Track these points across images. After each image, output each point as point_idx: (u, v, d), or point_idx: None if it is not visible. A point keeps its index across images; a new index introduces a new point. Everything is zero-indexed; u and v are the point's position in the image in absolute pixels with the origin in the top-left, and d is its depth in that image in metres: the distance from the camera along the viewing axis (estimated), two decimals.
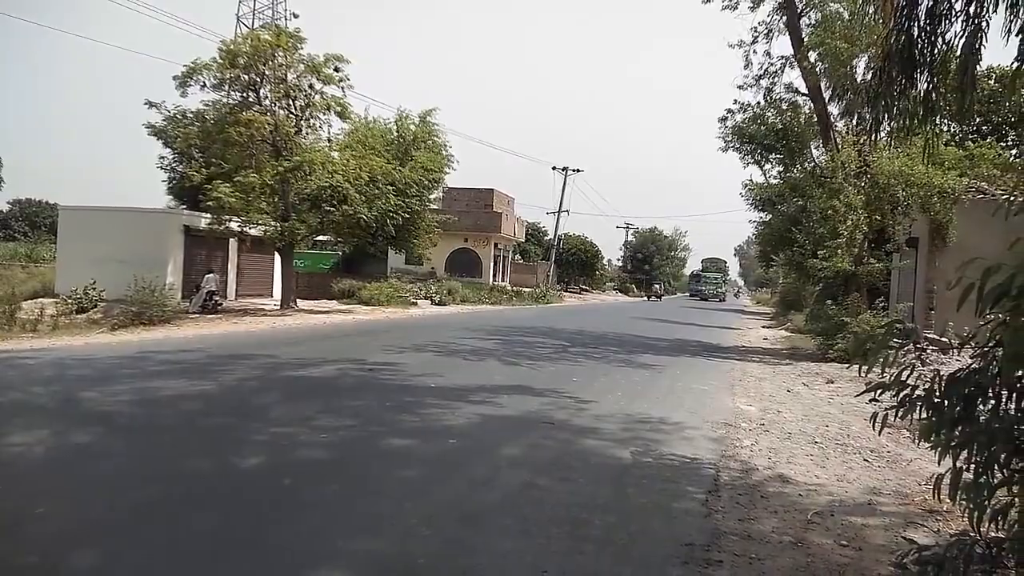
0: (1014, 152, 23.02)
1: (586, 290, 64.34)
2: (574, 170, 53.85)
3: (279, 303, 23.12)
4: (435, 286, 33.44)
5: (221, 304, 21.08)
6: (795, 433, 7.89)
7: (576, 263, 63.31)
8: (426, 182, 26.59)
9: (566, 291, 57.35)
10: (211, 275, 21.02)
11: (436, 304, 30.93)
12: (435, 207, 32.04)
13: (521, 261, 58.19)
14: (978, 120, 22.60)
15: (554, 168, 53.60)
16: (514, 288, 44.08)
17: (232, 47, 20.92)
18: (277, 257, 24.41)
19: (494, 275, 45.79)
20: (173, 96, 30.13)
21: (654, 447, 6.78)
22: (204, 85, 20.78)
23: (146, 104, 22.25)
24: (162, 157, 29.12)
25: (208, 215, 21.20)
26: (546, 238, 61.33)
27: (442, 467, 5.83)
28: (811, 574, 3.96)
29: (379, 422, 7.31)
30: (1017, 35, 4.28)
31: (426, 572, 3.79)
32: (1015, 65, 3.99)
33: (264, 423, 7.02)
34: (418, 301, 30.15)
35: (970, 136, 21.34)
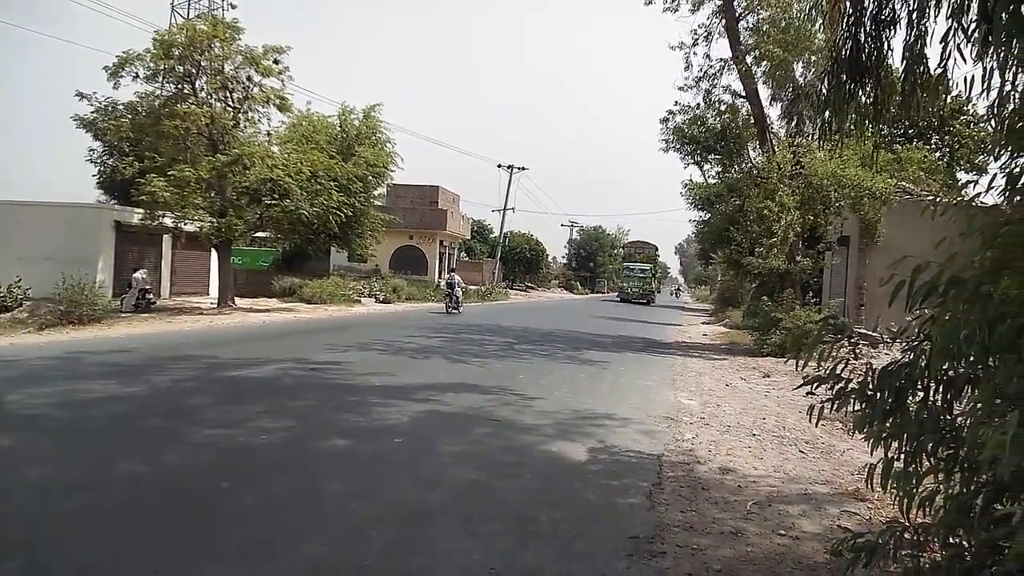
0: (938, 155, 24.13)
1: (532, 287, 64.60)
2: (519, 168, 54.01)
3: (216, 301, 22.46)
4: (379, 284, 33.05)
5: (155, 303, 20.35)
6: (734, 426, 8.09)
7: (522, 261, 63.52)
8: (370, 178, 26.22)
9: (512, 288, 57.49)
10: (138, 273, 20.25)
11: (381, 302, 30.59)
12: (379, 204, 31.62)
13: (467, 259, 58.04)
14: (906, 124, 23.61)
15: (499, 166, 53.64)
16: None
17: (167, 37, 20.18)
18: (214, 254, 23.71)
19: (440, 272, 45.55)
20: (104, 87, 28.94)
21: (599, 442, 6.86)
22: (137, 76, 20.02)
23: (76, 95, 21.32)
24: (91, 150, 27.93)
25: (141, 210, 20.44)
26: (492, 236, 61.33)
27: (387, 466, 5.78)
28: (750, 563, 4.07)
29: (322, 422, 7.18)
30: (940, 43, 4.49)
31: (372, 573, 3.74)
32: (938, 70, 4.18)
33: (201, 425, 6.81)
34: (362, 299, 29.75)
35: (898, 140, 22.28)
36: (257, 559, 3.80)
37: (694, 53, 22.29)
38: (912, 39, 4.41)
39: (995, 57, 2.94)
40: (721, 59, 21.88)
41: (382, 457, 6.02)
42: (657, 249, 61.90)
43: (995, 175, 2.71)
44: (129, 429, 6.67)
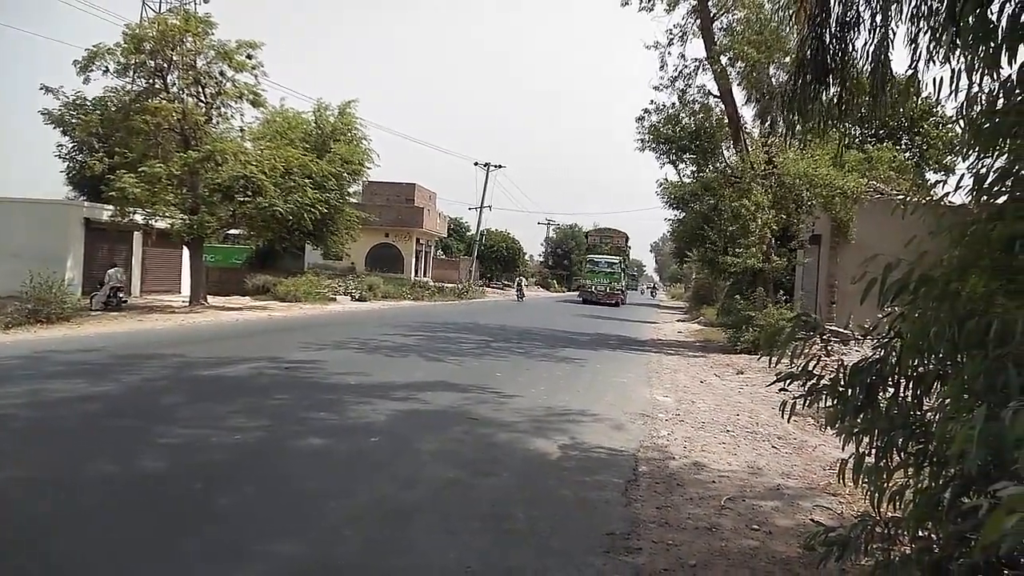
0: (908, 155, 24.55)
1: (508, 286, 64.61)
2: (496, 166, 53.88)
3: (188, 300, 22.17)
4: (355, 282, 32.83)
5: (126, 301, 20.00)
6: (708, 422, 8.17)
7: (498, 259, 63.51)
8: (345, 175, 26.03)
9: (488, 287, 57.44)
10: (114, 270, 19.90)
11: (356, 300, 30.39)
12: (355, 201, 31.41)
13: (443, 256, 57.89)
14: (876, 125, 23.99)
15: (476, 163, 53.49)
16: (436, 284, 43.80)
17: (137, 31, 19.87)
18: (186, 251, 23.38)
19: (416, 271, 45.38)
20: (72, 81, 28.38)
21: (576, 439, 6.89)
22: (107, 70, 19.68)
23: (42, 89, 20.90)
24: (60, 145, 27.39)
25: (111, 207, 20.11)
26: (468, 233, 61.22)
27: (364, 466, 5.74)
28: (725, 558, 4.11)
29: (297, 421, 7.12)
30: (910, 45, 4.57)
31: (349, 573, 3.72)
32: (908, 72, 4.26)
33: (174, 425, 6.71)
34: (337, 297, 29.54)
35: (868, 140, 22.63)
36: (232, 560, 3.75)
37: (669, 53, 22.47)
38: (875, 41, 4.49)
39: (962, 59, 3.00)
40: (696, 59, 22.05)
41: (358, 456, 5.98)
42: (628, 239, 51.80)
43: (963, 175, 2.76)
44: (99, 429, 6.56)
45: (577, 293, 46.86)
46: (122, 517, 4.35)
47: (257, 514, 4.49)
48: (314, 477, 5.34)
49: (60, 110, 22.58)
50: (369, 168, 28.33)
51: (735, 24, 20.32)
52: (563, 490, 5.31)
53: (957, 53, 3.04)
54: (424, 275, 47.10)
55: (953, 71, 3.03)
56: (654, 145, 23.31)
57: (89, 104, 21.32)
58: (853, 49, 4.76)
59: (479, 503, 4.88)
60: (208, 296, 22.45)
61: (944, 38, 3.26)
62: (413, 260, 45.00)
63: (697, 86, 22.26)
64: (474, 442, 6.64)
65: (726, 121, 21.47)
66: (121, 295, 19.64)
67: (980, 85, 2.91)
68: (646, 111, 23.24)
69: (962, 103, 2.94)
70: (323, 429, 6.83)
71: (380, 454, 6.08)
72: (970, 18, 2.91)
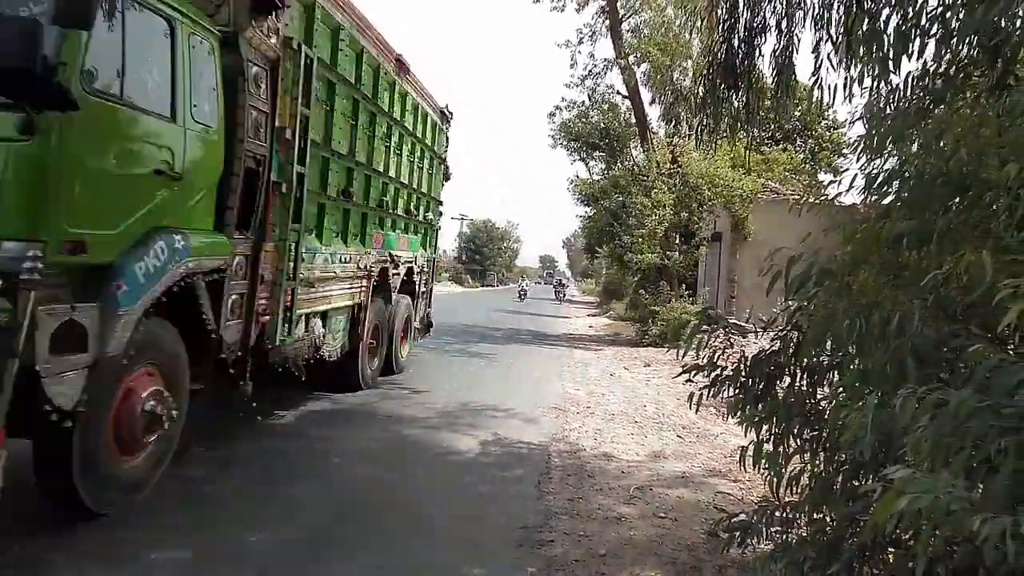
0: (802, 157, 25.91)
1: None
2: None
3: None
4: None
5: None
6: (617, 414, 8.36)
7: None
8: None
9: None
10: None
11: None
12: None
13: None
14: (773, 127, 25.20)
15: None
16: None
17: None
18: None
19: None
20: None
21: (489, 434, 6.89)
22: None
23: None
24: None
25: None
26: None
27: (267, 468, 5.53)
28: (634, 546, 4.21)
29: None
30: (812, 52, 4.81)
31: None
32: (812, 78, 4.47)
33: None
34: None
35: (766, 142, 23.74)
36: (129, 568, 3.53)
37: (579, 52, 22.89)
38: (781, 46, 4.70)
39: (856, 67, 3.17)
40: (605, 59, 22.53)
41: (261, 457, 5.75)
42: (445, 113, 10.90)
43: (856, 176, 2.92)
44: None
45: None
46: None
47: (154, 522, 4.23)
48: (212, 481, 5.08)
49: None
50: None
51: (642, 26, 20.89)
52: (476, 485, 5.30)
53: (852, 60, 3.21)
54: None
55: (848, 77, 3.20)
56: (565, 142, 23.65)
57: None
58: (760, 55, 4.95)
59: (392, 502, 4.80)
60: None
61: (841, 47, 3.44)
62: None
63: (606, 85, 22.76)
64: (386, 440, 6.53)
65: (633, 120, 22.02)
66: None
67: (872, 91, 3.08)
68: (557, 107, 23.61)
69: (855, 108, 3.12)
70: (223, 431, 6.51)
71: (287, 456, 5.87)
72: (862, 29, 3.08)
